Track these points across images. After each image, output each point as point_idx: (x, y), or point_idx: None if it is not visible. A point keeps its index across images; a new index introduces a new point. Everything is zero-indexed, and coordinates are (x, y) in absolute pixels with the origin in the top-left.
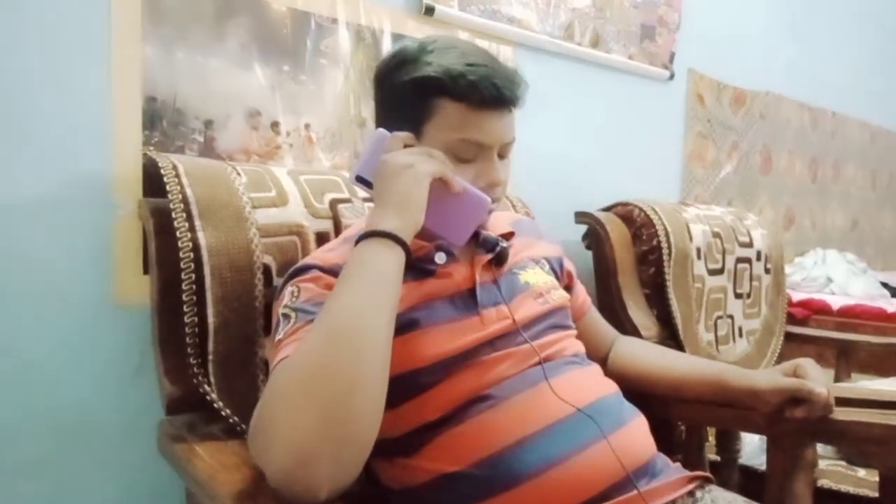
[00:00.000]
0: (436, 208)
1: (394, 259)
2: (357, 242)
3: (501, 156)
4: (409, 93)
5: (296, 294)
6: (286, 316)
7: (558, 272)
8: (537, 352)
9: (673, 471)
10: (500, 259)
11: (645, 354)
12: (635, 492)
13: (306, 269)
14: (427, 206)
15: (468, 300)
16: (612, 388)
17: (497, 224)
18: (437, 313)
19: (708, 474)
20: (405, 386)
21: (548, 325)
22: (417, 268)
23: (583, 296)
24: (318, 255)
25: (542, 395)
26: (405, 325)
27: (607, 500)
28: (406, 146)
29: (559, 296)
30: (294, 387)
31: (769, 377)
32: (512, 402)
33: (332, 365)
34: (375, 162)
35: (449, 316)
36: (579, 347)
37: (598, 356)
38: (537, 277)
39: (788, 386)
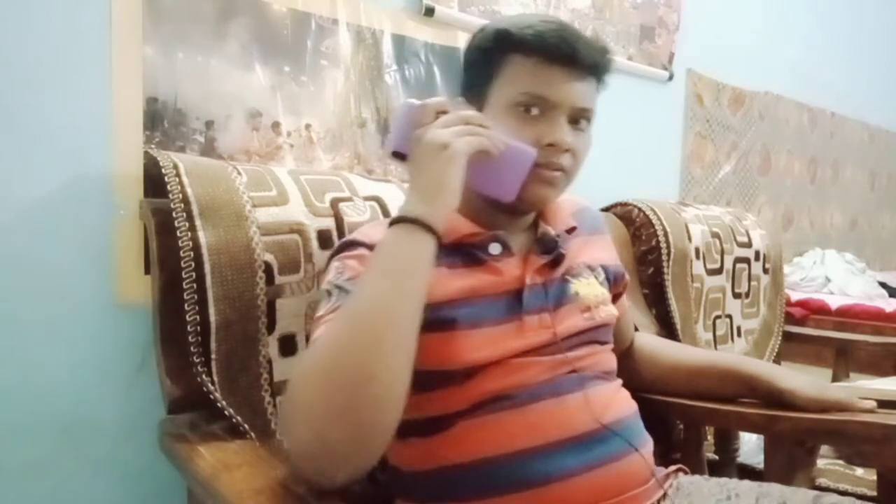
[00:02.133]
0: (479, 169)
1: (423, 246)
2: (390, 225)
3: (575, 126)
4: (483, 52)
5: (340, 271)
6: (328, 293)
7: (612, 282)
8: (571, 363)
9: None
10: (554, 262)
11: (662, 347)
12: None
13: (353, 244)
14: (469, 169)
15: (513, 302)
16: (633, 407)
17: (560, 214)
18: (479, 313)
19: (680, 466)
20: (436, 379)
21: (587, 339)
22: (469, 254)
23: (625, 301)
24: (367, 231)
25: (568, 406)
26: (445, 321)
27: None
28: (439, 113)
29: (607, 312)
30: (316, 369)
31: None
32: (536, 408)
33: (352, 351)
34: (409, 134)
35: (490, 318)
36: (611, 364)
37: (619, 350)
38: (589, 289)
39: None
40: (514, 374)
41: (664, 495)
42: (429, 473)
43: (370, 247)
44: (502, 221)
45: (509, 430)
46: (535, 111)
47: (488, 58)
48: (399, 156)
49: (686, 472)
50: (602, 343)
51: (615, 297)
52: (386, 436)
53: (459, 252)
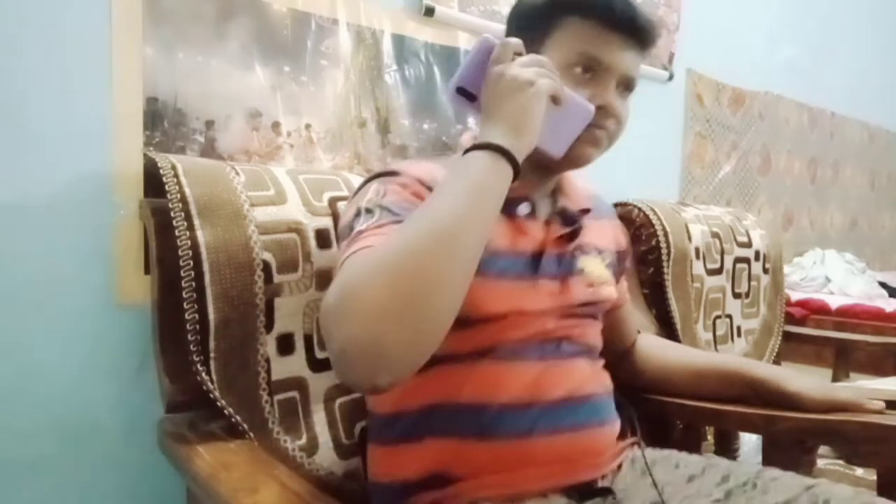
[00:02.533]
0: None
1: (503, 175)
2: (466, 152)
3: (622, 93)
4: (538, 11)
5: (381, 193)
6: (369, 211)
7: (615, 269)
8: (573, 328)
9: None
10: (572, 236)
11: (664, 348)
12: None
13: (395, 173)
14: None
15: (531, 263)
16: (611, 386)
17: (577, 196)
18: (502, 265)
19: (636, 439)
20: None
21: (586, 312)
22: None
23: (625, 287)
24: (406, 165)
25: (569, 368)
26: None
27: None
28: (515, 55)
29: (607, 293)
30: (382, 268)
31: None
32: (535, 366)
33: (422, 261)
34: (479, 73)
35: (511, 273)
36: (599, 342)
37: (622, 348)
38: (594, 267)
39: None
40: (521, 328)
41: (619, 466)
42: (413, 413)
43: (416, 178)
44: (531, 182)
45: (504, 380)
46: (588, 73)
47: (544, 17)
48: (464, 94)
49: (640, 447)
50: (593, 318)
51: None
52: (435, 346)
53: None
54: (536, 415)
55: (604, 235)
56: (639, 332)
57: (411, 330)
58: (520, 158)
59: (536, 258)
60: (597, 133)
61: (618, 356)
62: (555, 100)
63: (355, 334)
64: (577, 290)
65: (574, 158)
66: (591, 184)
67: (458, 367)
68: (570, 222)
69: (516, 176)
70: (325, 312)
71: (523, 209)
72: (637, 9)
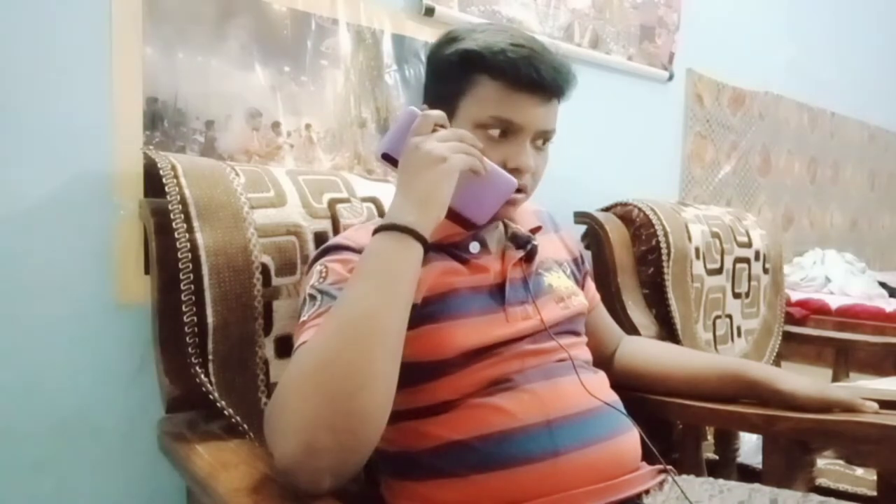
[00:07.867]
0: (459, 188)
1: (411, 255)
2: (375, 232)
3: (538, 146)
4: (451, 66)
5: (323, 274)
6: (312, 297)
7: (578, 275)
8: (563, 349)
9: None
10: (529, 256)
11: (658, 351)
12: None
13: (337, 248)
14: None
15: (496, 295)
16: (617, 397)
17: (523, 217)
18: (465, 305)
19: (670, 467)
20: (427, 371)
21: (565, 329)
22: (452, 253)
23: (593, 290)
24: (350, 235)
25: (565, 387)
26: (431, 315)
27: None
28: (437, 126)
29: (579, 302)
30: (305, 378)
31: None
32: (533, 388)
33: (342, 360)
34: (402, 141)
35: (476, 309)
36: (590, 356)
37: (605, 353)
38: (560, 281)
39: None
40: (508, 361)
41: (659, 486)
42: (424, 452)
43: (355, 250)
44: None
45: (508, 408)
46: (502, 135)
47: (457, 74)
48: (388, 159)
49: (675, 473)
50: (578, 334)
51: (582, 286)
52: (373, 442)
53: (443, 251)
54: (556, 434)
55: (557, 247)
56: (640, 332)
57: (343, 432)
58: (427, 234)
59: (500, 289)
60: (512, 196)
61: (606, 360)
62: (472, 173)
63: (291, 450)
64: (551, 309)
65: (494, 219)
66: (532, 200)
67: (461, 409)
68: (524, 245)
69: (427, 250)
70: (265, 424)
71: (474, 248)
72: (546, 65)
